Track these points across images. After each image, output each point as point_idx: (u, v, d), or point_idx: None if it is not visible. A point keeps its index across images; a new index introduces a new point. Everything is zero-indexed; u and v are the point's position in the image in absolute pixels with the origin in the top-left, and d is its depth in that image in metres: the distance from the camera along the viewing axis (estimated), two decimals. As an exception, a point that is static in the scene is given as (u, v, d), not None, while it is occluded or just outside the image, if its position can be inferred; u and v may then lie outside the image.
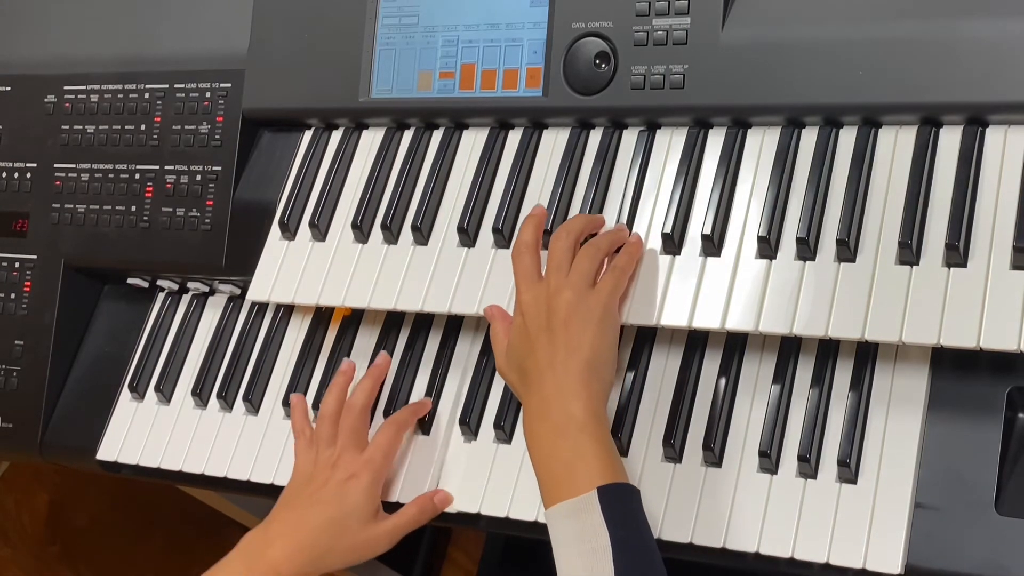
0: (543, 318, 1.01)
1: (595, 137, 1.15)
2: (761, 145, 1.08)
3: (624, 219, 1.10)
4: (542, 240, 1.08)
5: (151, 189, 1.33)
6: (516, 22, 1.17)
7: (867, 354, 1.01)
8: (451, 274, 1.14)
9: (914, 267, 0.97)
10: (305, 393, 1.23)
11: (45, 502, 2.26)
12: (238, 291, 1.32)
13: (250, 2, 1.29)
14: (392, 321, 1.23)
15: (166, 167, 1.33)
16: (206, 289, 1.36)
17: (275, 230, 1.25)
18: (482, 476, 1.11)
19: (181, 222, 1.31)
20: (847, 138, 1.05)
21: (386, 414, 1.17)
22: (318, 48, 1.25)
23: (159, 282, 1.37)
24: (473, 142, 1.21)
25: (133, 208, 1.34)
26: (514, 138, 1.19)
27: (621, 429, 1.07)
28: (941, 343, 0.93)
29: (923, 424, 0.98)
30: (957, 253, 0.95)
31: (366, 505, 1.09)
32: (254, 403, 1.25)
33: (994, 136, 1.00)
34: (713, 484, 1.02)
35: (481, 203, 1.17)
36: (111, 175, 1.36)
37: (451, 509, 1.11)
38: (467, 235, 1.15)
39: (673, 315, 1.04)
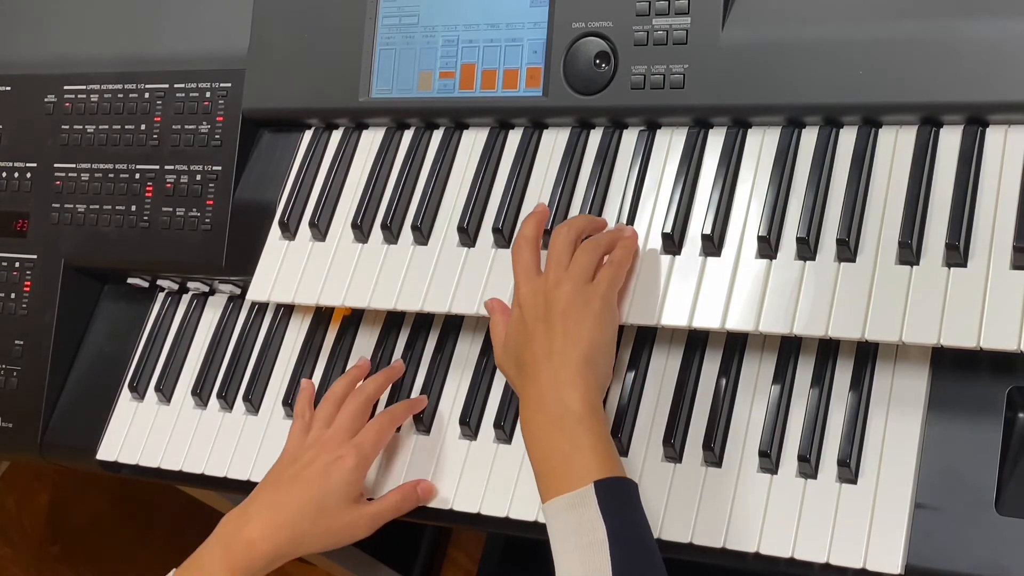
0: (541, 310, 1.01)
1: (595, 137, 1.15)
2: (761, 145, 1.08)
3: (624, 219, 1.10)
4: (543, 238, 1.08)
5: (151, 189, 1.33)
6: (516, 22, 1.17)
7: (867, 354, 1.01)
8: (451, 274, 1.14)
9: (914, 267, 0.97)
10: (305, 393, 1.23)
11: (45, 502, 2.26)
12: (238, 291, 1.32)
13: (250, 2, 1.29)
14: (392, 321, 1.23)
15: (166, 167, 1.33)
16: (206, 289, 1.36)
17: (275, 230, 1.25)
18: (482, 476, 1.11)
19: (181, 222, 1.31)
20: (847, 138, 1.05)
21: (386, 414, 1.17)
22: (318, 48, 1.25)
23: (159, 282, 1.37)
24: (473, 142, 1.21)
25: (133, 208, 1.34)
26: (514, 138, 1.19)
27: (621, 429, 1.07)
28: (941, 343, 0.93)
29: (923, 424, 0.98)
30: (957, 253, 0.95)
31: (348, 488, 1.08)
32: (254, 403, 1.25)
33: (994, 136, 1.00)
34: (713, 484, 1.02)
35: (481, 203, 1.17)
36: (111, 175, 1.36)
37: (446, 506, 1.11)
38: (467, 235, 1.15)
39: (673, 315, 1.04)
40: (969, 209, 0.97)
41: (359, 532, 1.09)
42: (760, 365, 1.06)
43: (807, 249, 1.01)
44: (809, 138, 1.06)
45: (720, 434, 1.03)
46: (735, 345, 1.07)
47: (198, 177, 1.31)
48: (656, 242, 1.08)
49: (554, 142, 1.17)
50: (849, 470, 0.97)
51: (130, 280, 1.38)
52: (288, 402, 1.22)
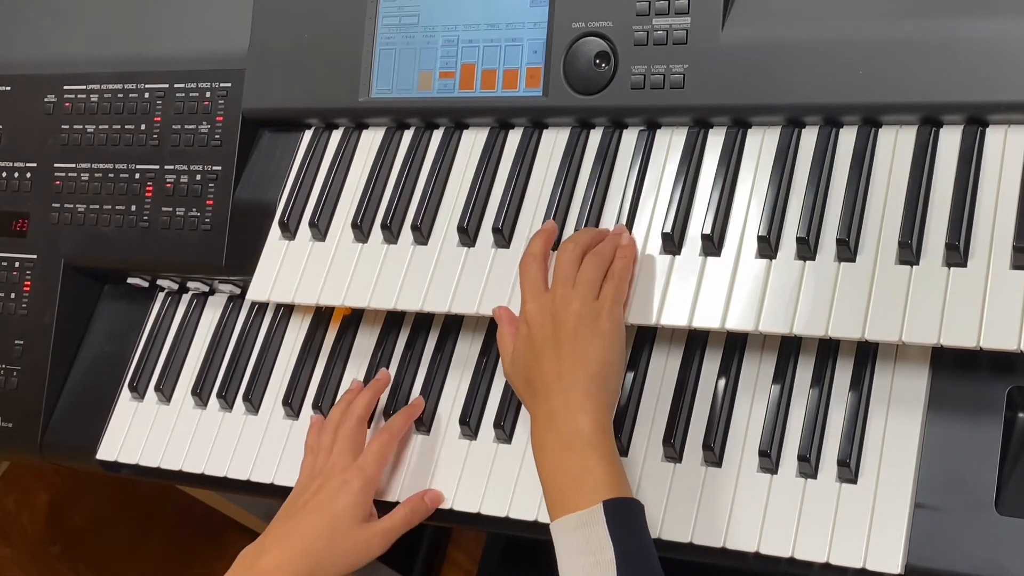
0: (549, 329, 1.01)
1: (595, 137, 1.15)
2: (761, 145, 1.08)
3: (624, 219, 1.10)
4: (550, 255, 1.08)
5: (151, 189, 1.33)
6: (516, 22, 1.17)
7: (867, 354, 1.01)
8: (451, 274, 1.14)
9: (914, 267, 0.97)
10: (305, 393, 1.23)
11: (45, 502, 2.26)
12: (238, 291, 1.32)
13: (250, 2, 1.29)
14: (392, 321, 1.23)
15: (166, 167, 1.33)
16: (206, 289, 1.36)
17: (275, 230, 1.25)
18: (482, 476, 1.11)
19: (181, 222, 1.31)
20: (847, 138, 1.05)
21: (386, 414, 1.17)
22: (318, 48, 1.25)
23: (159, 282, 1.37)
24: (473, 142, 1.21)
25: (133, 208, 1.34)
26: (514, 138, 1.19)
27: (621, 429, 1.07)
28: (941, 343, 0.93)
29: (923, 424, 0.98)
30: (957, 253, 0.95)
31: (356, 509, 1.09)
32: (254, 403, 1.25)
33: (994, 136, 1.00)
34: (713, 484, 1.02)
35: (481, 203, 1.17)
36: (111, 175, 1.36)
37: (446, 506, 1.11)
38: (467, 235, 1.15)
39: (673, 315, 1.04)
40: (969, 209, 0.97)
41: (374, 550, 1.10)
42: (760, 365, 1.06)
43: (807, 249, 1.01)
44: (809, 138, 1.06)
45: (720, 434, 1.03)
46: (735, 345, 1.07)
47: (198, 177, 1.31)
48: (656, 242, 1.08)
49: (554, 142, 1.17)
50: (849, 470, 0.97)
51: (130, 280, 1.38)
52: (288, 402, 1.22)
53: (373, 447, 1.12)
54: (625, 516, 0.93)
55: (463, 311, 1.13)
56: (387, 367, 1.20)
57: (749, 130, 1.09)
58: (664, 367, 1.09)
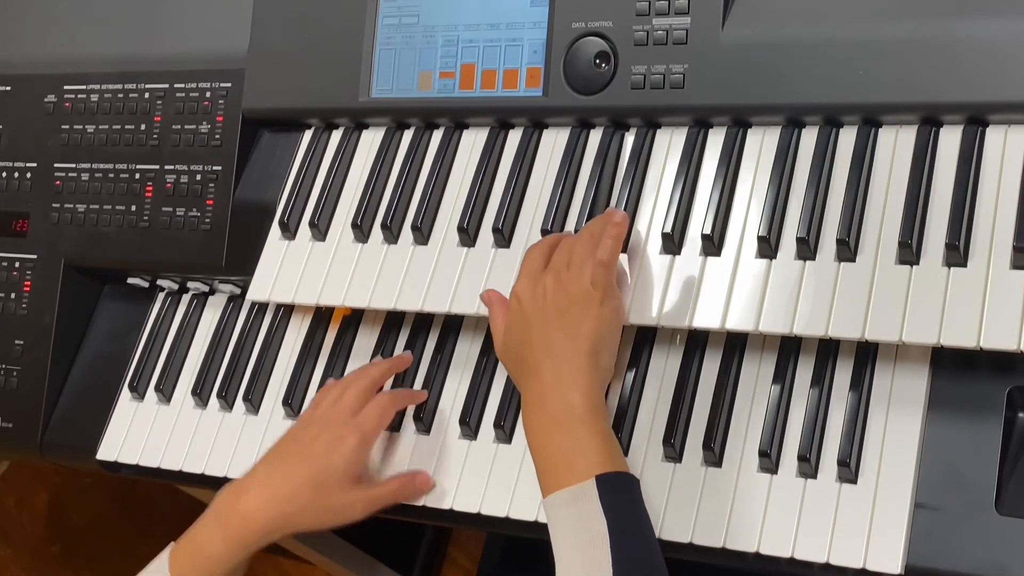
0: (540, 303, 1.01)
1: (595, 137, 1.15)
2: (761, 145, 1.08)
3: (624, 219, 1.10)
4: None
5: (151, 189, 1.33)
6: (516, 22, 1.17)
7: (867, 354, 1.01)
8: (451, 274, 1.14)
9: (914, 267, 0.97)
10: (305, 393, 1.23)
11: (45, 502, 2.26)
12: (238, 291, 1.32)
13: (250, 2, 1.29)
14: (392, 321, 1.23)
15: (166, 167, 1.33)
16: (206, 289, 1.36)
17: (275, 230, 1.25)
18: (482, 476, 1.11)
19: (181, 222, 1.31)
20: (847, 138, 1.05)
21: (386, 414, 1.17)
22: (318, 48, 1.25)
23: (159, 282, 1.37)
24: (473, 142, 1.21)
25: (133, 208, 1.34)
26: (514, 138, 1.19)
27: (621, 429, 1.07)
28: (941, 343, 0.93)
29: (923, 424, 0.98)
30: (957, 253, 0.95)
31: (348, 467, 1.08)
32: (254, 403, 1.25)
33: (994, 136, 1.00)
34: (713, 484, 1.02)
35: (481, 203, 1.17)
36: (111, 175, 1.36)
37: (446, 506, 1.11)
38: (467, 235, 1.15)
39: (673, 315, 1.04)
40: (969, 209, 0.97)
41: (355, 513, 1.09)
42: (760, 365, 1.06)
43: (807, 249, 1.01)
44: (809, 138, 1.06)
45: (720, 434, 1.03)
46: (735, 345, 1.07)
47: (198, 177, 1.31)
48: (656, 242, 1.08)
49: (554, 142, 1.17)
50: (849, 470, 0.97)
51: (130, 280, 1.38)
52: (288, 402, 1.22)
53: (374, 407, 1.11)
54: (618, 490, 0.93)
55: (463, 311, 1.13)
56: (387, 367, 1.21)
57: (749, 130, 1.09)
58: (664, 367, 1.09)
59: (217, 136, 1.30)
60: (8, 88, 1.43)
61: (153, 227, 1.32)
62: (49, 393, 1.36)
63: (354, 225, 1.20)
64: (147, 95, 1.35)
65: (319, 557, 1.79)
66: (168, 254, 1.31)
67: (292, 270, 1.22)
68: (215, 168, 1.30)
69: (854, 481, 0.98)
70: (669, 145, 1.12)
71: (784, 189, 1.05)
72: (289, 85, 1.27)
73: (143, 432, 1.30)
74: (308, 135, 1.29)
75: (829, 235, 1.01)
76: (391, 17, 1.23)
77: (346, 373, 1.22)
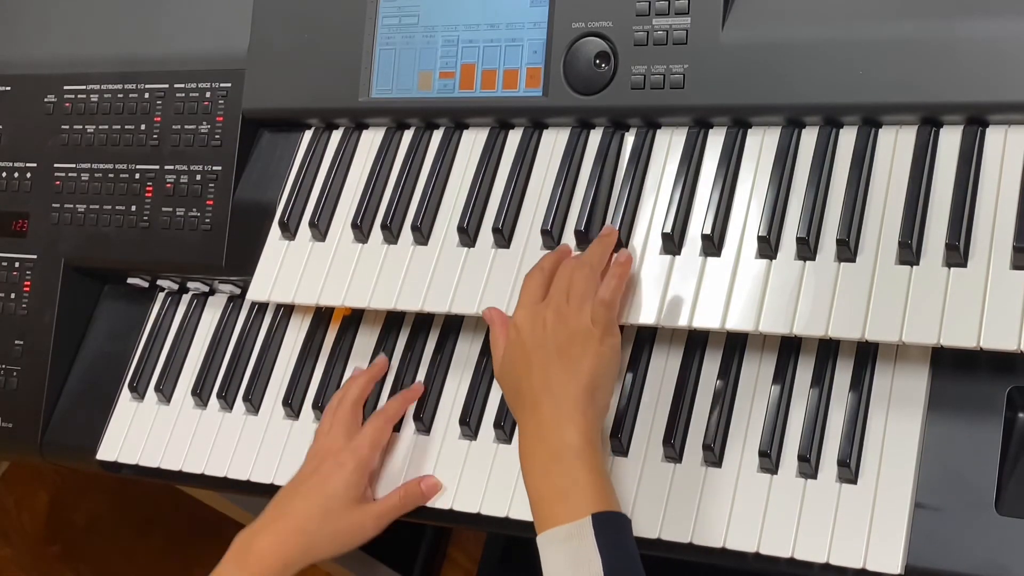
0: (539, 338, 1.01)
1: (595, 137, 1.15)
2: (761, 145, 1.08)
3: (624, 219, 1.09)
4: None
5: (151, 189, 1.33)
6: (516, 22, 1.17)
7: (867, 354, 1.01)
8: (451, 274, 1.14)
9: (914, 267, 0.97)
10: (305, 393, 1.23)
11: (45, 502, 2.26)
12: (238, 291, 1.32)
13: (250, 2, 1.29)
14: (392, 321, 1.23)
15: (166, 167, 1.33)
16: (206, 289, 1.36)
17: (275, 230, 1.25)
18: (482, 476, 1.11)
19: (181, 222, 1.31)
20: (847, 138, 1.05)
21: (386, 414, 1.17)
22: (318, 48, 1.25)
23: (159, 282, 1.37)
24: (473, 142, 1.21)
25: (133, 208, 1.34)
26: (514, 138, 1.19)
27: (621, 429, 1.07)
28: (941, 343, 0.93)
29: (923, 424, 0.98)
30: (957, 253, 0.95)
31: (349, 490, 1.10)
32: (254, 403, 1.25)
33: (994, 136, 1.00)
34: (713, 484, 1.02)
35: (481, 203, 1.17)
36: (111, 175, 1.36)
37: (446, 506, 1.11)
38: (467, 235, 1.15)
39: (673, 315, 1.04)
40: (969, 209, 0.97)
41: (367, 532, 1.10)
42: (760, 365, 1.06)
43: (807, 249, 1.01)
44: (809, 138, 1.06)
45: (720, 434, 1.03)
46: (735, 345, 1.07)
47: (198, 177, 1.31)
48: (656, 242, 1.08)
49: (554, 142, 1.17)
50: (849, 470, 0.97)
51: (130, 280, 1.38)
52: (288, 402, 1.22)
53: (367, 429, 1.13)
54: (613, 529, 0.93)
55: (463, 311, 1.13)
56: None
57: (749, 130, 1.09)
58: (664, 367, 1.09)
59: (217, 136, 1.30)
60: (8, 88, 1.43)
61: (153, 227, 1.32)
62: (49, 393, 1.36)
63: (354, 225, 1.20)
64: (147, 95, 1.35)
65: (319, 557, 1.78)
66: (168, 254, 1.31)
67: (292, 270, 1.22)
68: (215, 168, 1.30)
69: (854, 481, 0.98)
70: (669, 145, 1.12)
71: (784, 189, 1.05)
72: (289, 85, 1.27)
73: (143, 432, 1.30)
74: (308, 135, 1.29)
75: (829, 235, 1.01)
76: (391, 17, 1.23)
77: (346, 373, 1.22)
